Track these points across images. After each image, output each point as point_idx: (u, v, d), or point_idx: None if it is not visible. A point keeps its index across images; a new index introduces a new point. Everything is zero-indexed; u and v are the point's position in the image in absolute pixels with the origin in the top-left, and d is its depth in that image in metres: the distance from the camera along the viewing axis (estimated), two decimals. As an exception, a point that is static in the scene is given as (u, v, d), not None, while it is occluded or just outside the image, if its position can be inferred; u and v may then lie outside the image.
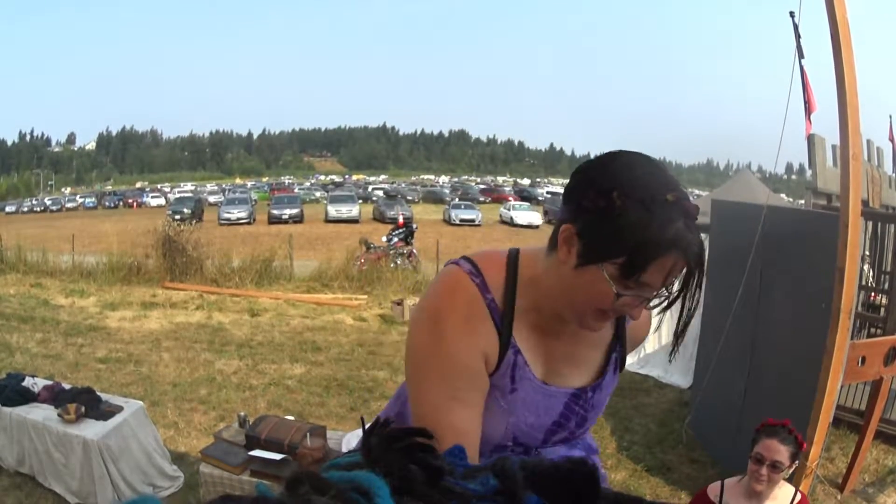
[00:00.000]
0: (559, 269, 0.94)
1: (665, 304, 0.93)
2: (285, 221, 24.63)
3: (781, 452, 1.89)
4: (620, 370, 1.12)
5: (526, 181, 75.46)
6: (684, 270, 0.89)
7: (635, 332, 1.12)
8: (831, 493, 3.58)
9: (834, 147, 4.88)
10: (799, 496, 1.99)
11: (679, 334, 0.96)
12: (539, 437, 1.08)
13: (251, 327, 7.52)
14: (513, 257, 1.02)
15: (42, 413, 3.32)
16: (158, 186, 66.36)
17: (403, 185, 57.16)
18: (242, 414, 3.27)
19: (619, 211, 0.87)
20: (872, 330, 4.88)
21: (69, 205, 44.67)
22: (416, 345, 1.01)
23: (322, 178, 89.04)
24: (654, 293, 0.91)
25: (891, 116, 8.86)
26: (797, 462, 1.95)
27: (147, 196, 48.55)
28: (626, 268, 0.88)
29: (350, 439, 3.02)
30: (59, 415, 3.24)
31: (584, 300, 0.93)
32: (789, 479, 2.05)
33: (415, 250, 11.93)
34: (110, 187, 74.07)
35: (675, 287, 0.91)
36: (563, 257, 0.93)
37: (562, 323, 1.01)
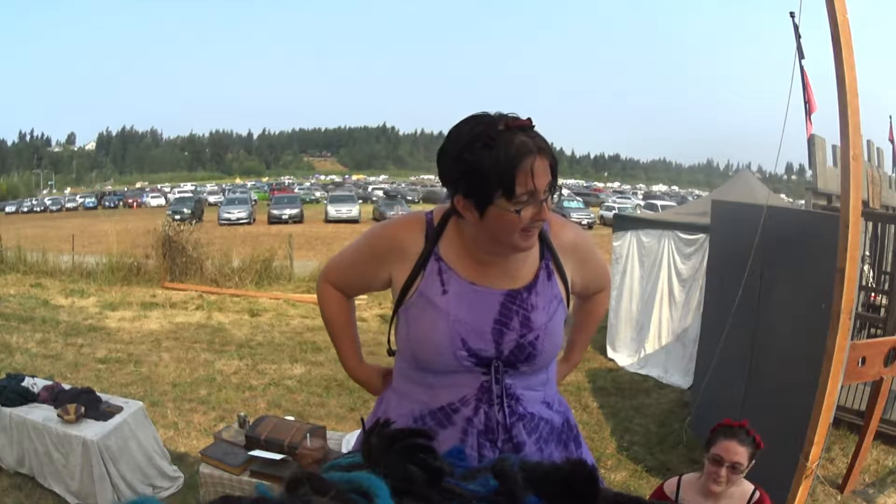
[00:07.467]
0: (475, 227, 1.19)
1: (553, 190, 1.15)
2: (285, 221, 24.65)
3: (741, 454, 1.85)
4: (565, 283, 1.30)
5: (526, 181, 75.46)
6: (548, 162, 1.11)
7: (559, 237, 1.31)
8: (831, 493, 3.58)
9: (834, 147, 4.89)
10: (758, 494, 1.93)
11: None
12: (489, 340, 1.21)
13: (251, 327, 7.52)
14: (451, 209, 1.27)
15: (42, 413, 3.32)
16: (158, 186, 66.45)
17: (403, 185, 57.16)
18: (242, 414, 3.26)
19: (472, 163, 1.10)
20: (872, 330, 4.88)
21: (69, 205, 44.64)
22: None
23: (322, 178, 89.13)
24: (541, 193, 1.12)
25: (891, 117, 8.89)
26: (754, 462, 1.89)
27: (147, 196, 48.54)
28: (506, 192, 1.10)
29: (350, 439, 3.02)
30: (58, 415, 3.23)
31: (504, 232, 1.15)
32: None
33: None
34: (110, 187, 74.14)
35: (549, 178, 1.12)
36: (471, 219, 1.17)
37: (487, 253, 1.23)
